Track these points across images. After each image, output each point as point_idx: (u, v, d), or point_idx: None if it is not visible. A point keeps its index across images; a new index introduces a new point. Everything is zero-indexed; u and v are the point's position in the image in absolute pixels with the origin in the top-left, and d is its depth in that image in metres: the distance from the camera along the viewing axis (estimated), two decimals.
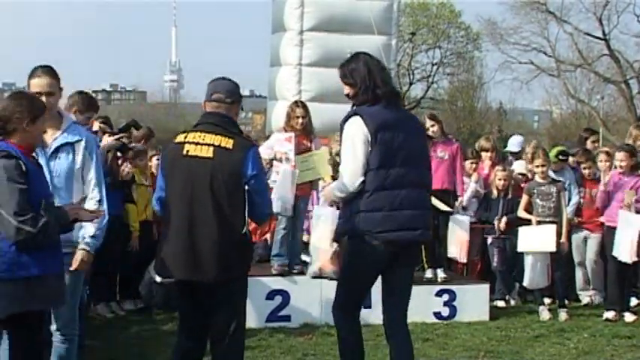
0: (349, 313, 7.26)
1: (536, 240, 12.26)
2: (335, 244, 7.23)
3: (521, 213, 12.56)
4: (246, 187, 6.74)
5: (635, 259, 11.89)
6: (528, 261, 12.32)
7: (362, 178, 7.00)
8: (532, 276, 12.31)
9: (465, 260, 13.07)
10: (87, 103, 10.16)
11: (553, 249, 12.13)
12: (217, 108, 6.97)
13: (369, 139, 7.00)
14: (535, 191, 12.44)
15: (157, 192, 7.15)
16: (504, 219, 13.11)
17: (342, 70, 7.44)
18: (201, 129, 6.89)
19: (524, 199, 12.56)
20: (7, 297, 6.15)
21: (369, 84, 7.18)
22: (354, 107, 7.29)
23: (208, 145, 6.73)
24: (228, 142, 6.72)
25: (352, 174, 7.04)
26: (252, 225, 11.93)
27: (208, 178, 6.67)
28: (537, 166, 12.62)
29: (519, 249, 12.46)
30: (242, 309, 7.01)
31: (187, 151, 6.77)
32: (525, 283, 12.59)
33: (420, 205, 7.14)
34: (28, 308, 6.25)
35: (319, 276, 7.48)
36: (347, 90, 7.36)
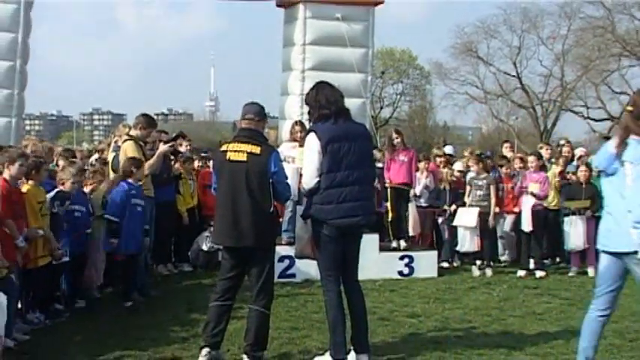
0: (330, 282, 7.00)
1: (464, 218, 12.38)
2: (309, 232, 7.13)
3: (466, 198, 12.63)
4: (271, 180, 6.91)
5: (531, 228, 12.28)
6: (460, 232, 12.52)
7: (317, 179, 6.87)
8: (463, 243, 12.54)
9: (415, 232, 13.07)
10: (148, 121, 10.25)
11: (473, 225, 12.31)
12: (249, 124, 7.12)
13: (321, 150, 6.85)
14: (472, 183, 12.51)
15: (213, 184, 7.35)
16: (454, 206, 13.11)
17: (305, 97, 7.39)
18: (238, 140, 7.06)
19: (468, 188, 12.63)
20: None
21: (315, 104, 7.08)
22: (312, 124, 7.20)
23: (243, 152, 6.92)
24: (256, 149, 6.92)
25: (309, 176, 6.93)
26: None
27: (244, 175, 6.86)
28: (469, 166, 12.77)
29: (453, 223, 12.72)
30: (271, 262, 7.14)
31: (229, 157, 6.96)
32: (458, 248, 12.75)
33: (361, 198, 6.91)
34: None
35: (300, 257, 7.43)
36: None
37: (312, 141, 6.92)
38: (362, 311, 7.14)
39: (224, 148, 7.10)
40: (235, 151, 6.95)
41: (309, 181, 6.93)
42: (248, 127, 7.11)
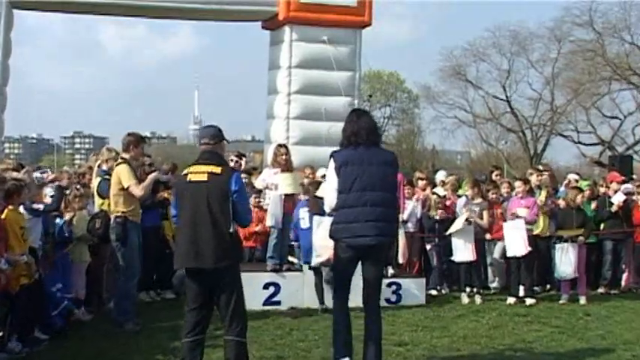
0: (341, 297, 7.45)
1: (455, 224, 12.46)
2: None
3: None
4: (233, 200, 6.93)
5: (530, 248, 12.18)
6: (454, 242, 12.53)
7: (336, 200, 7.37)
8: (457, 252, 12.48)
9: (405, 260, 13.05)
10: (137, 139, 10.26)
11: (459, 226, 12.36)
12: (206, 148, 7.24)
13: (335, 172, 7.37)
14: (468, 207, 12.53)
15: (172, 210, 7.46)
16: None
17: None
18: (198, 162, 7.18)
19: (464, 211, 12.62)
20: None
21: (342, 134, 7.62)
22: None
23: (203, 172, 7.01)
24: (217, 169, 7.02)
25: (329, 197, 7.48)
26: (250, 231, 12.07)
27: (205, 194, 6.92)
28: (468, 190, 12.97)
29: (449, 231, 12.62)
30: (239, 287, 7.06)
31: (190, 179, 7.05)
32: (453, 258, 12.67)
33: (373, 219, 7.22)
34: None
35: (323, 264, 7.78)
36: None
37: (330, 164, 7.47)
38: (375, 336, 7.45)
39: (185, 171, 7.24)
40: (196, 172, 7.06)
41: (329, 202, 7.52)
42: (206, 150, 7.23)
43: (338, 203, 7.37)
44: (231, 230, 6.91)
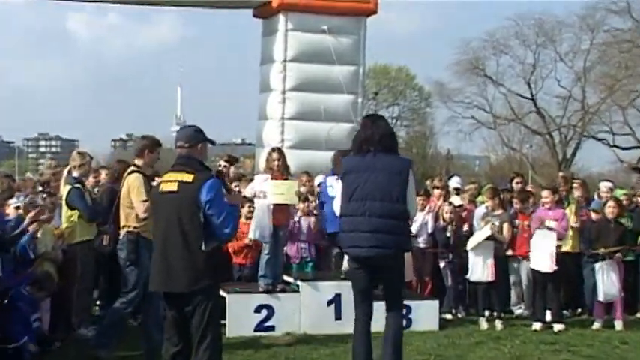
0: (359, 317, 7.88)
1: (477, 235, 12.49)
2: None
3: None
4: (205, 213, 6.84)
5: (555, 267, 12.07)
6: (471, 258, 12.52)
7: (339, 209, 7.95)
8: (474, 270, 12.45)
9: (410, 277, 12.98)
10: (153, 142, 10.05)
11: (488, 233, 12.32)
12: (181, 152, 7.24)
13: (341, 180, 7.94)
14: (488, 218, 12.52)
15: None
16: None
17: None
18: (172, 170, 7.18)
19: (482, 224, 12.61)
20: None
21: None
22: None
23: (174, 181, 6.99)
24: (188, 177, 6.95)
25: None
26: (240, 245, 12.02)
27: (175, 206, 6.90)
28: (487, 201, 12.92)
29: (467, 247, 12.62)
30: (212, 312, 6.94)
31: (162, 189, 7.07)
32: (468, 276, 12.66)
33: (370, 230, 7.64)
34: None
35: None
36: None
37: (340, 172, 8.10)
38: (390, 346, 7.76)
39: (159, 180, 7.34)
40: (168, 181, 7.05)
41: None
42: (181, 154, 7.24)
43: (341, 211, 7.90)
44: (203, 248, 6.81)
